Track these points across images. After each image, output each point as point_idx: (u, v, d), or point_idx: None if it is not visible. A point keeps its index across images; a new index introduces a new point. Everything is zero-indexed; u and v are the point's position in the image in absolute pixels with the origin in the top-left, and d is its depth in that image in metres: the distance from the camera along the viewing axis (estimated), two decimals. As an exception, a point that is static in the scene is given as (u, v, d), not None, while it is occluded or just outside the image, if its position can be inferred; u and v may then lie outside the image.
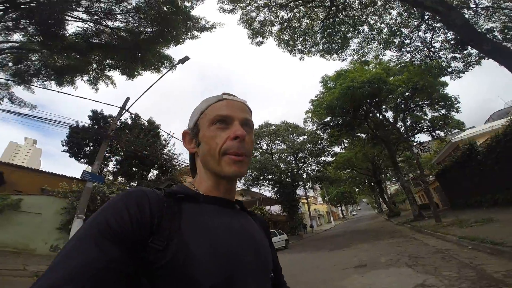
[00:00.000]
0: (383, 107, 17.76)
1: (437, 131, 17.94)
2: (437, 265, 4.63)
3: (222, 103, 0.64)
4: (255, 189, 26.05)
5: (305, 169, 27.25)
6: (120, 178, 12.69)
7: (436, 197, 24.13)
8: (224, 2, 9.21)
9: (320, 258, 8.64)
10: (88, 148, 12.51)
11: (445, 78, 12.46)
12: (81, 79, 10.63)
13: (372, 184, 35.55)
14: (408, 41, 9.12)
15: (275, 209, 31.34)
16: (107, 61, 10.28)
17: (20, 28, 8.46)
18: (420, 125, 18.41)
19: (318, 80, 19.80)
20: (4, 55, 9.35)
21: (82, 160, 12.93)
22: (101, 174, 9.80)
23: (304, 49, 10.44)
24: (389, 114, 19.32)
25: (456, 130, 17.67)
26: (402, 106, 17.73)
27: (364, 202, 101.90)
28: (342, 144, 23.57)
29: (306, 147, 25.25)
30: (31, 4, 8.07)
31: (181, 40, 10.32)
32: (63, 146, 12.70)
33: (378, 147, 21.41)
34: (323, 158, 26.46)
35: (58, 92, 8.80)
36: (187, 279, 0.45)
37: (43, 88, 9.69)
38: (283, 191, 24.56)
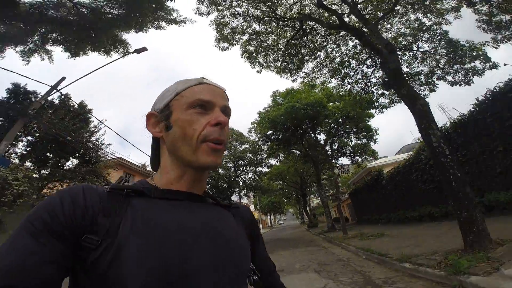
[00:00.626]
0: (318, 129, 19.87)
1: (357, 157, 21.04)
2: (337, 272, 5.52)
3: (203, 86, 0.60)
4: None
5: (242, 176, 28.10)
6: (28, 163, 10.69)
7: (347, 212, 27.94)
8: (202, 4, 8.95)
9: (243, 263, 8.99)
10: None
11: (372, 111, 14.75)
12: (13, 49, 8.89)
13: (299, 196, 38.77)
14: (352, 73, 10.43)
15: (207, 213, 31.04)
16: (53, 35, 8.87)
17: None
18: (344, 150, 21.27)
19: (269, 94, 20.98)
20: None
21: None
22: (5, 156, 8.11)
23: (264, 63, 10.91)
24: (322, 136, 21.83)
25: (371, 158, 21.02)
26: (334, 130, 20.25)
27: (290, 213, 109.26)
28: (278, 158, 25.21)
29: (246, 156, 26.08)
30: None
31: (145, 28, 9.64)
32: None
33: (308, 164, 23.73)
34: (260, 168, 27.82)
35: None
36: (112, 281, 0.42)
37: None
38: (218, 195, 24.66)
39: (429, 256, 4.45)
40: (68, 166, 11.00)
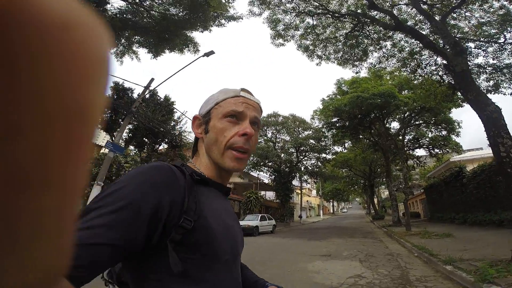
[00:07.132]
0: (389, 119, 18.37)
1: (436, 150, 18.72)
2: (380, 264, 5.84)
3: (238, 99, 0.67)
4: (254, 173, 27.52)
5: (304, 162, 28.49)
6: (131, 147, 14.14)
7: (421, 208, 25.33)
8: (254, 5, 9.55)
9: (297, 244, 9.84)
10: (106, 116, 13.89)
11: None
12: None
13: (366, 185, 36.72)
14: (424, 64, 9.37)
15: (270, 195, 32.99)
16: (137, 37, 11.00)
17: None
18: (420, 141, 19.16)
19: (333, 82, 20.35)
20: None
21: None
22: (119, 144, 11.04)
23: (323, 55, 10.70)
24: (395, 125, 20.02)
25: (453, 152, 18.44)
26: (408, 120, 18.30)
27: (356, 202, 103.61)
28: (344, 145, 24.42)
29: (309, 142, 26.23)
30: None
31: (208, 26, 10.76)
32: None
33: (378, 154, 22.29)
34: (324, 155, 27.57)
35: None
36: (210, 254, 0.55)
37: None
38: (279, 179, 25.92)
39: (474, 262, 4.42)
40: (160, 150, 13.99)
